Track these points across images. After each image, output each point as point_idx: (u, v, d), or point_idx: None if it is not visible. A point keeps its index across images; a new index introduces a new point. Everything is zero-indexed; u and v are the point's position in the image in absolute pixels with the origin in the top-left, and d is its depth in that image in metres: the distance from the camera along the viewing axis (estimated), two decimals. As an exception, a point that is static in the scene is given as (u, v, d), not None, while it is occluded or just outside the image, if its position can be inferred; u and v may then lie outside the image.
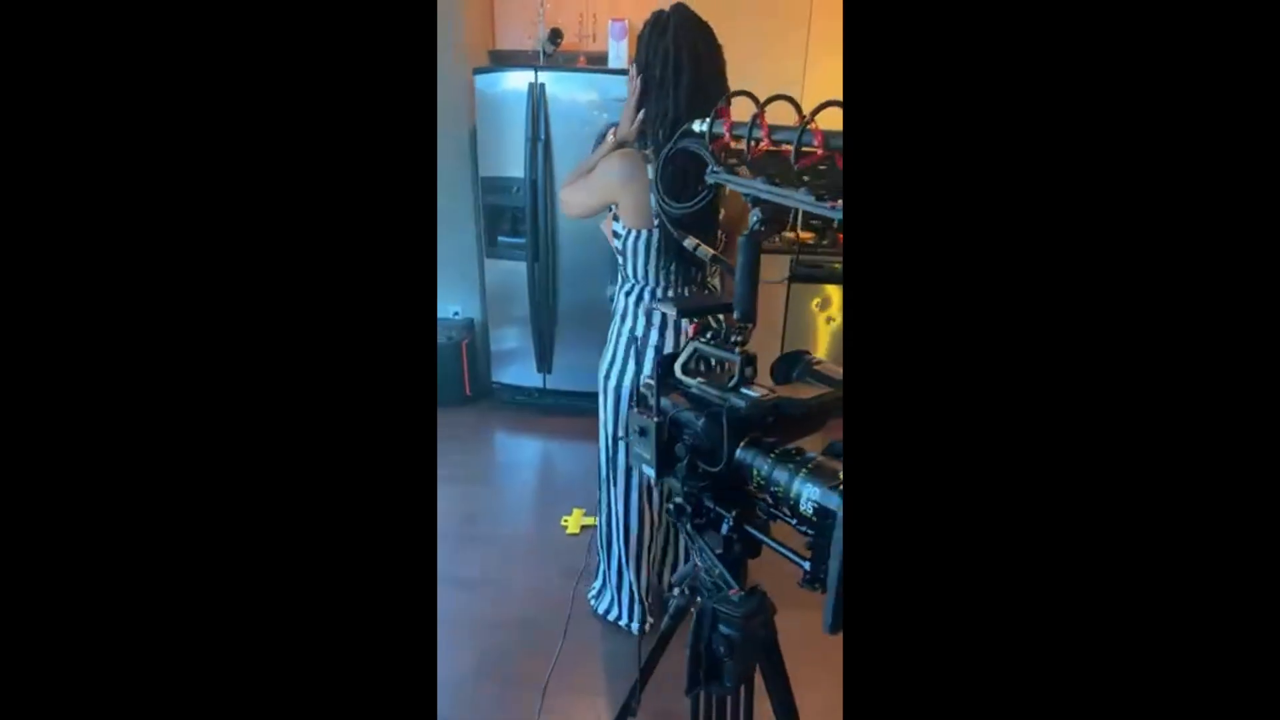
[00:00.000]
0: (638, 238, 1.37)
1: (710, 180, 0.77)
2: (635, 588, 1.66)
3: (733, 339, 0.76)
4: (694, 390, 0.79)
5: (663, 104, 1.24)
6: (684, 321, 1.45)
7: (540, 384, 3.09)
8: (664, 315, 1.44)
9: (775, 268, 3.08)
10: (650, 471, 0.79)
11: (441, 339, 3.05)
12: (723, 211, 1.39)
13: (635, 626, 1.68)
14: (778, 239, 3.30)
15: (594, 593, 1.81)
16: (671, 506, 0.80)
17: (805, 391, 0.75)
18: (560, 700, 1.56)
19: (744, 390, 0.74)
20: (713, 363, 0.84)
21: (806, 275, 3.08)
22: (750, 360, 0.75)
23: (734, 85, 3.14)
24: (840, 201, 0.64)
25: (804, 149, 0.63)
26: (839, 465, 0.65)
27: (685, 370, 0.82)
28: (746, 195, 0.73)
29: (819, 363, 0.80)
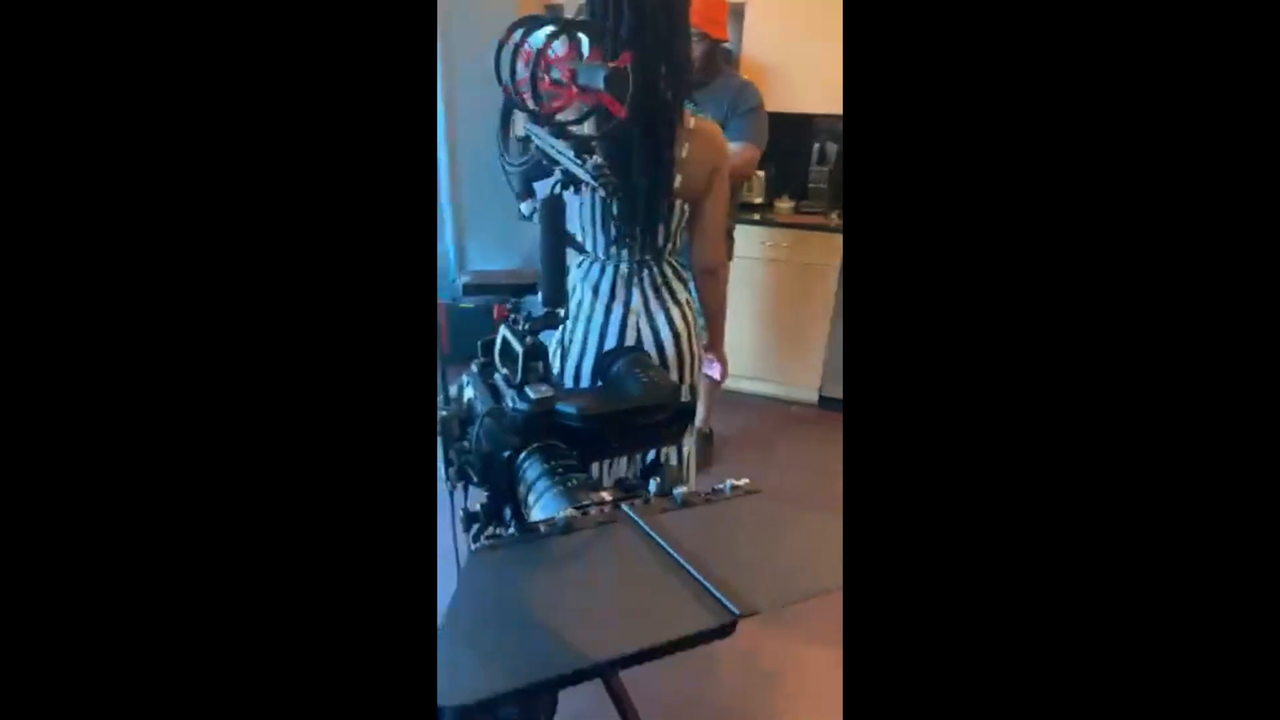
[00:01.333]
0: (580, 205, 1.24)
1: (524, 132, 0.63)
2: None
3: (520, 327, 0.63)
4: (497, 382, 0.67)
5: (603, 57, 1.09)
6: (634, 299, 1.32)
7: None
8: (610, 293, 1.31)
9: (828, 250, 2.82)
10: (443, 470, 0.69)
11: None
12: (679, 178, 1.23)
13: None
14: (835, 216, 3.02)
15: None
16: (462, 513, 0.69)
17: (601, 399, 0.61)
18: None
19: (527, 389, 0.61)
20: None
21: (864, 259, 2.79)
22: (536, 354, 0.62)
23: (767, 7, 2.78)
24: (599, 161, 0.49)
25: (551, 85, 0.49)
26: (595, 493, 0.52)
27: (502, 357, 0.70)
28: (538, 150, 0.59)
29: (646, 367, 0.66)
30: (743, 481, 0.48)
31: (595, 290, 1.31)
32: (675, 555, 0.35)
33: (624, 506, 0.42)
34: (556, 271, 0.63)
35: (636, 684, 1.33)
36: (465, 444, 0.64)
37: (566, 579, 0.35)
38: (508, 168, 0.74)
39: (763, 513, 0.43)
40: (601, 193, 0.47)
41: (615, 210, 1.22)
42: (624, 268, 1.29)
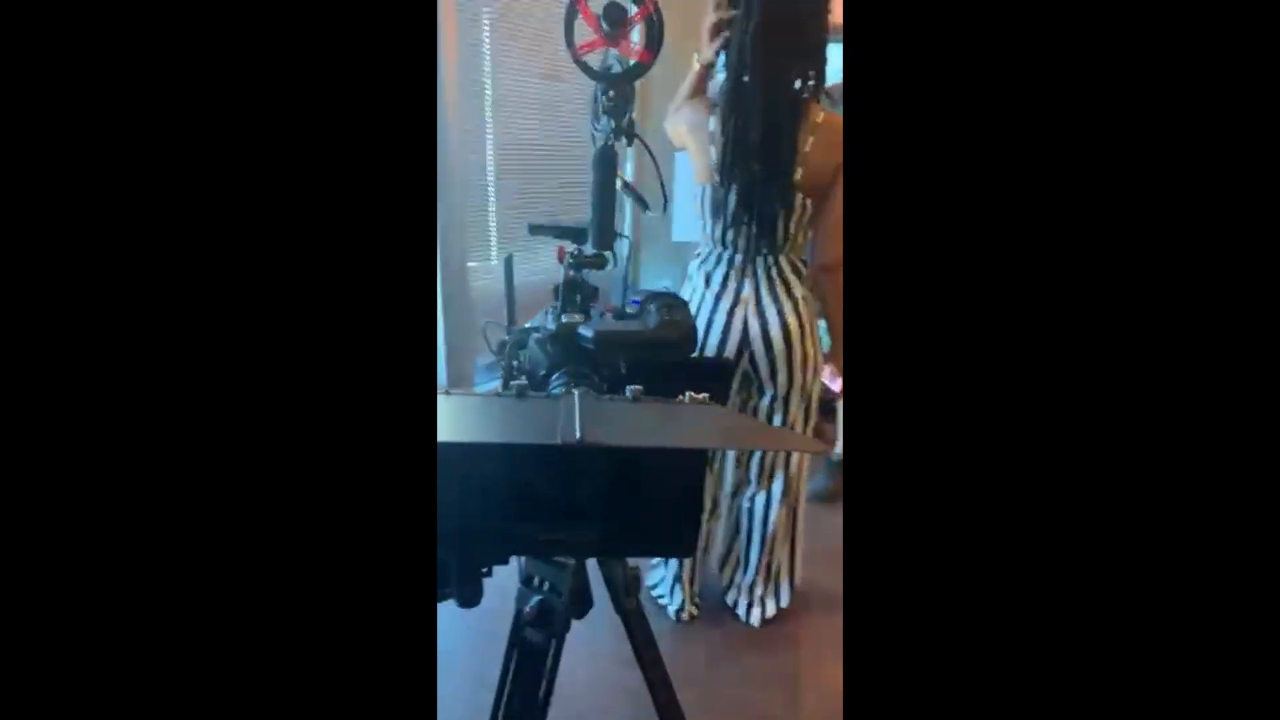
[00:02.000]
0: (701, 194, 1.30)
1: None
2: (680, 566, 1.60)
3: (567, 263, 0.71)
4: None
5: (733, 43, 1.14)
6: (745, 289, 1.34)
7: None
8: (722, 283, 1.35)
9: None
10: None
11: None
12: (799, 171, 1.24)
13: (672, 610, 1.61)
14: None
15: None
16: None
17: (617, 329, 0.67)
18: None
19: (562, 316, 0.69)
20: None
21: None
22: (577, 287, 0.70)
23: None
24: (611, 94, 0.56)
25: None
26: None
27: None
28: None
29: (673, 308, 0.70)
30: (702, 396, 0.51)
31: (708, 280, 1.36)
32: (578, 412, 0.40)
33: (575, 389, 0.47)
34: (605, 216, 0.70)
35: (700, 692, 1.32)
36: (514, 364, 0.74)
37: (488, 416, 0.42)
38: (595, 134, 0.84)
39: (701, 411, 0.46)
40: (612, 125, 0.54)
41: (719, 202, 1.26)
42: (739, 259, 1.33)
